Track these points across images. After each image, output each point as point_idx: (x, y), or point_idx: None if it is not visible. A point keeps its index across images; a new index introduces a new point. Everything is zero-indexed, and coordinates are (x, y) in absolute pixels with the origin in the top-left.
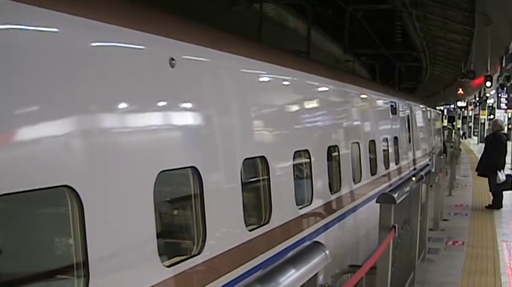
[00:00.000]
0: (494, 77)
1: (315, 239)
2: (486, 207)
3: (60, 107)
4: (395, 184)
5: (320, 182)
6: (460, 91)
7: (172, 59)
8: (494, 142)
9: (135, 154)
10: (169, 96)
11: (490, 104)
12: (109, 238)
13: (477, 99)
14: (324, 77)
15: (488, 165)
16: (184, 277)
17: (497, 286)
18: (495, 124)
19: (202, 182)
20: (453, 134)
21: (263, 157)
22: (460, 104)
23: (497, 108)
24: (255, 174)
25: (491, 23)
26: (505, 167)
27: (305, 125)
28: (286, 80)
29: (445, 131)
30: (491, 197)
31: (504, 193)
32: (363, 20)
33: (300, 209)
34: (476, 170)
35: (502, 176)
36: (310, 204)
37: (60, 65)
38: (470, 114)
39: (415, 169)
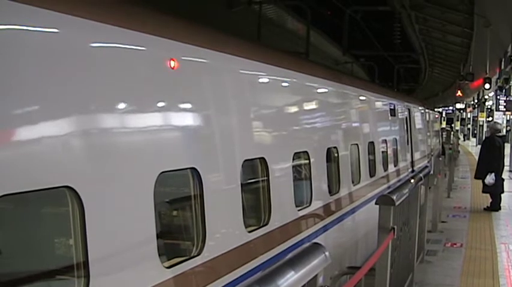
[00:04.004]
0: (493, 79)
1: (315, 241)
2: (484, 209)
3: (60, 107)
4: (394, 185)
5: (319, 183)
6: (459, 93)
7: (172, 60)
8: (487, 145)
9: (135, 155)
10: (170, 98)
11: (489, 106)
12: (109, 238)
13: (476, 101)
14: (323, 78)
15: (482, 168)
16: (184, 278)
17: None
18: (490, 128)
19: (202, 183)
20: (452, 135)
21: (263, 158)
22: (458, 106)
23: (496, 110)
24: (254, 175)
25: (490, 25)
26: (504, 170)
27: (304, 127)
28: (285, 82)
29: (444, 133)
30: (490, 199)
31: (503, 194)
32: (362, 22)
33: (299, 210)
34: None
35: (490, 179)
36: (309, 205)
37: (61, 65)
38: (469, 116)
39: (413, 170)
